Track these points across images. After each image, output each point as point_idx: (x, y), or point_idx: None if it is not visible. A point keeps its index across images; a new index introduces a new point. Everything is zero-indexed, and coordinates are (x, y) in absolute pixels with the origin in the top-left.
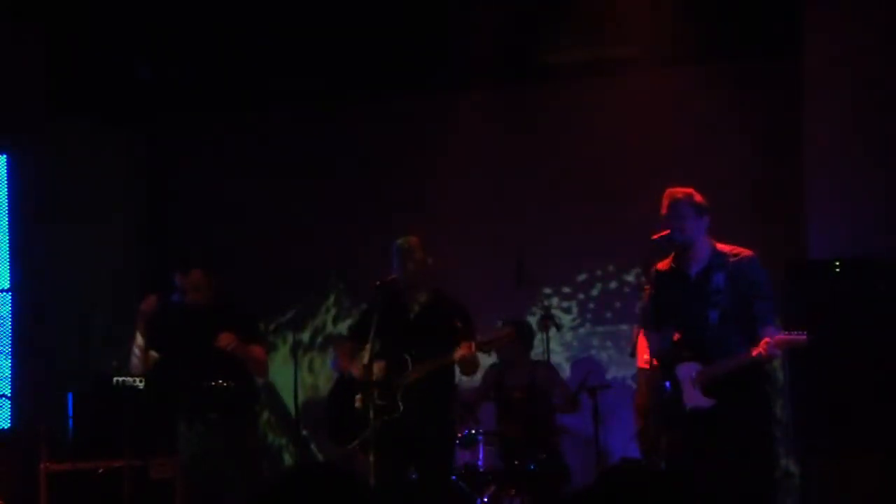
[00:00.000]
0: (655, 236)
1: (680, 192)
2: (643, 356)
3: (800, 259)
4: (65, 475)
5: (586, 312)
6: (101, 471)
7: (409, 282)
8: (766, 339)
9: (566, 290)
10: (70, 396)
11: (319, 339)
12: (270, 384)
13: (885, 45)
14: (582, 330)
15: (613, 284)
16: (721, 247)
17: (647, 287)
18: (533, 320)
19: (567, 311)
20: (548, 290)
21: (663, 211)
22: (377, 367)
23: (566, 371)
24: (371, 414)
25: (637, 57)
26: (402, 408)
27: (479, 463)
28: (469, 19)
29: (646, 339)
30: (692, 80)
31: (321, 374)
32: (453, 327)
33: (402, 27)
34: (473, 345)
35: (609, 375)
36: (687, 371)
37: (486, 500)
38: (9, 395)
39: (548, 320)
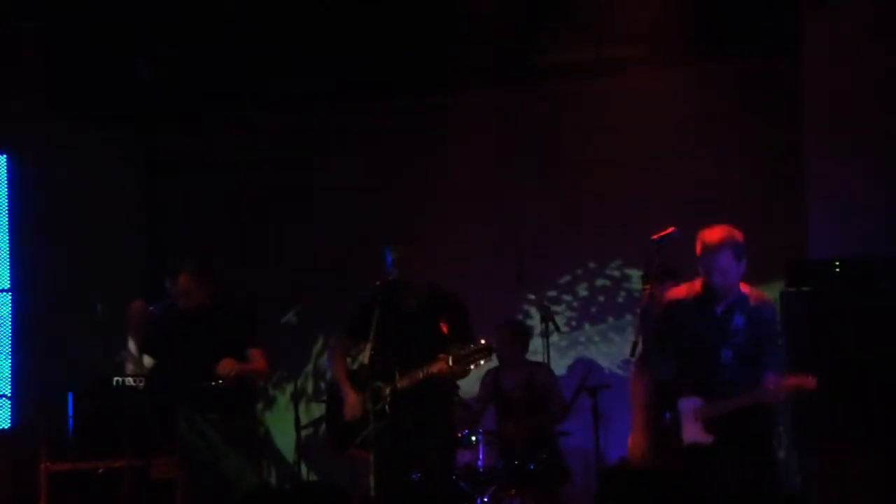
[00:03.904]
0: (655, 236)
1: (719, 236)
2: None
3: (800, 259)
4: (65, 475)
5: (578, 310)
6: (101, 471)
7: (405, 282)
8: (770, 384)
9: (564, 287)
10: (70, 396)
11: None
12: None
13: (885, 45)
14: (568, 329)
15: (601, 282)
16: (744, 288)
17: (646, 288)
18: (533, 321)
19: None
20: (552, 293)
21: (700, 252)
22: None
23: (559, 370)
24: (371, 417)
25: (637, 57)
26: (390, 415)
27: (479, 463)
28: (469, 20)
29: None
30: (692, 79)
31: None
32: (442, 331)
33: (401, 28)
34: (451, 358)
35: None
36: (690, 405)
37: (486, 500)
38: (9, 395)
39: (548, 321)
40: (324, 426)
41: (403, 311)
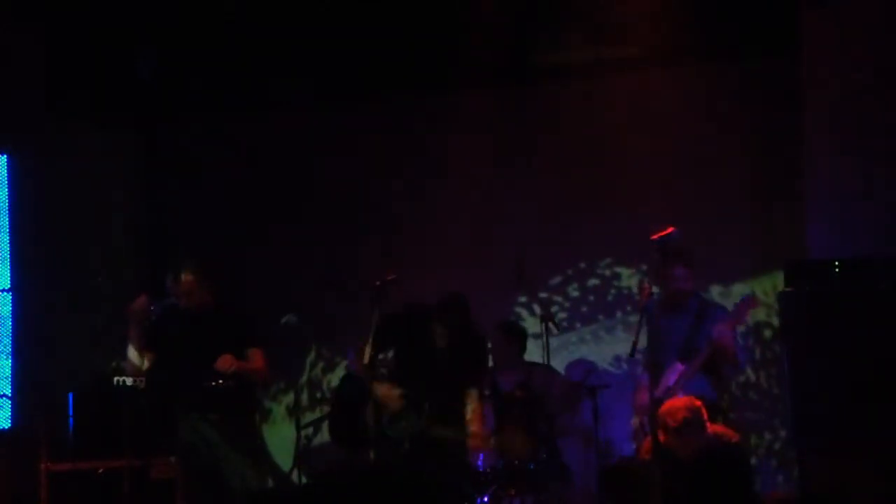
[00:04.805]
0: (655, 237)
1: (682, 416)
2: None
3: (800, 259)
4: (65, 475)
5: (569, 311)
6: (101, 471)
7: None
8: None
9: (556, 288)
10: (70, 396)
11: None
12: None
13: (885, 44)
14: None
15: (592, 281)
16: (712, 429)
17: (646, 286)
18: (526, 322)
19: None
20: (543, 295)
21: (661, 428)
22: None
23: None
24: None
25: (637, 57)
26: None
27: (479, 463)
28: (468, 20)
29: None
30: (692, 79)
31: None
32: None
33: (401, 28)
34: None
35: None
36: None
37: (485, 500)
38: (9, 395)
39: (547, 322)
40: (325, 426)
41: (436, 345)
